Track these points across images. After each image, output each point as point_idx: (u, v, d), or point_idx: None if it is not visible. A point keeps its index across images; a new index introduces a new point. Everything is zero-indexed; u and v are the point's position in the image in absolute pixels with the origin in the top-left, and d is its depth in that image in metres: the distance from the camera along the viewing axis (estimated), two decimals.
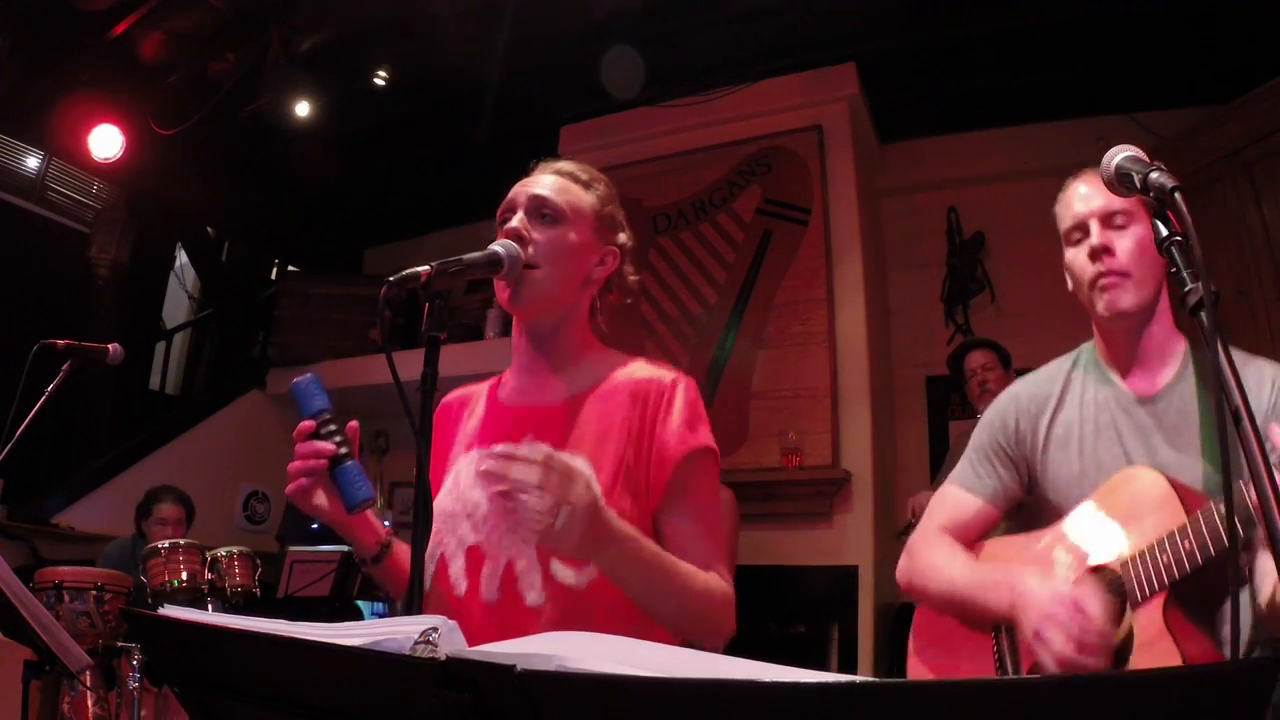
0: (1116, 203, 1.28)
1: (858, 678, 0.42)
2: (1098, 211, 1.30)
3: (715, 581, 1.10)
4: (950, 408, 4.55)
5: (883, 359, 4.59)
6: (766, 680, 0.43)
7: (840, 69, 4.50)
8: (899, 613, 4.17)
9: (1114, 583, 1.22)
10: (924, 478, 4.26)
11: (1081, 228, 1.33)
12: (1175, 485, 1.19)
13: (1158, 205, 0.96)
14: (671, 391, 1.16)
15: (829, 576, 3.95)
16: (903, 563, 1.48)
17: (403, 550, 1.21)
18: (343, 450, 1.03)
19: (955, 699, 0.41)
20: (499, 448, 1.02)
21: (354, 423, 1.07)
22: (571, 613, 1.05)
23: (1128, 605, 1.20)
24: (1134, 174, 1.00)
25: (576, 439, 1.14)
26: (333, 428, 1.05)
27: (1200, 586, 1.13)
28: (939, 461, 3.97)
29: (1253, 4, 3.60)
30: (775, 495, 4.05)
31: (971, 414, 3.44)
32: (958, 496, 1.47)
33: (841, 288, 4.29)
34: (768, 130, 4.62)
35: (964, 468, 1.49)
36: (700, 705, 0.45)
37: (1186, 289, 0.90)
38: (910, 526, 3.27)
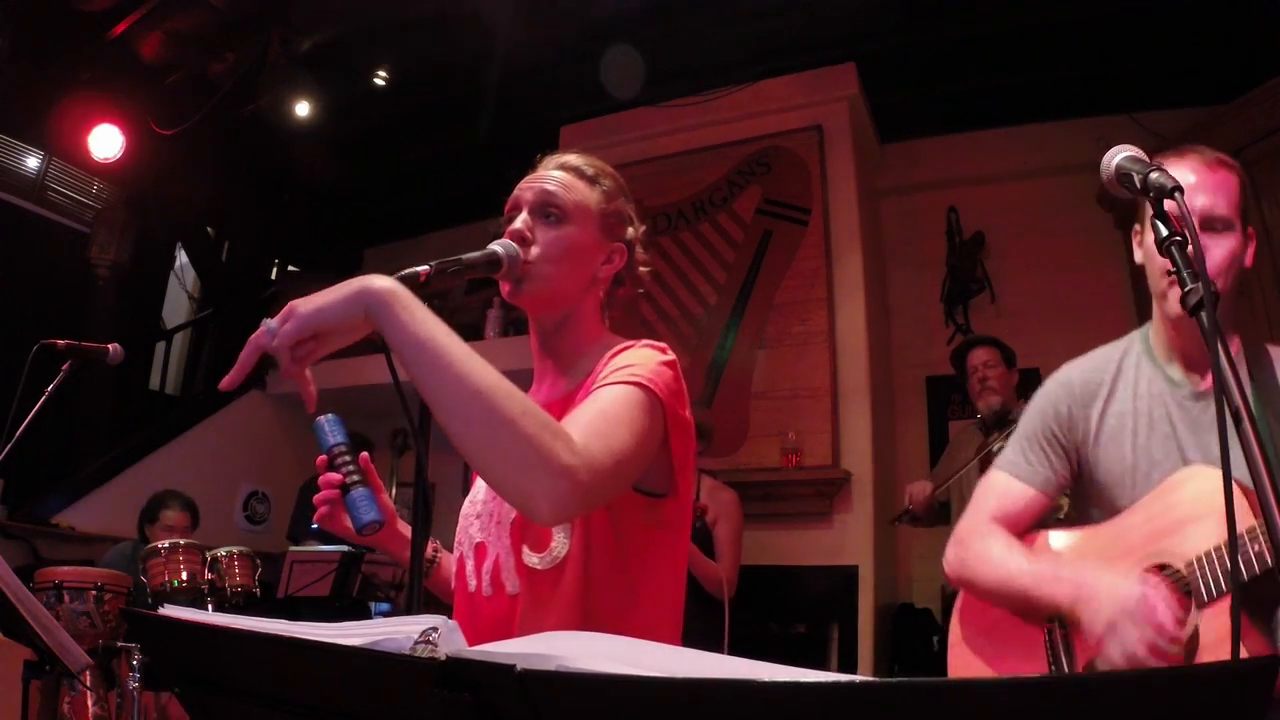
0: (1220, 207, 1.26)
1: (858, 677, 0.42)
2: (1201, 211, 1.25)
3: (561, 427, 0.89)
4: (950, 407, 4.55)
5: (883, 359, 4.59)
6: (766, 680, 0.43)
7: (840, 69, 4.50)
8: (899, 613, 4.18)
9: (1180, 583, 1.22)
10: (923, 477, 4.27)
11: None
12: (1241, 487, 1.16)
13: (1156, 205, 0.96)
14: (624, 349, 1.11)
15: (829, 576, 3.95)
16: (951, 552, 1.45)
17: (449, 561, 1.24)
18: (352, 479, 1.09)
19: (954, 699, 0.41)
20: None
21: (364, 454, 1.13)
22: (541, 596, 1.05)
23: (1193, 605, 1.19)
24: (1134, 174, 1.00)
25: None
26: (347, 458, 1.12)
27: (1262, 587, 1.13)
28: (938, 461, 3.97)
29: (1253, 4, 3.60)
30: (775, 495, 4.05)
31: (972, 412, 3.44)
32: (1008, 485, 1.44)
33: (841, 288, 4.29)
34: (768, 130, 4.62)
35: (1013, 456, 1.45)
36: (700, 705, 0.45)
37: (1187, 289, 0.90)
38: (906, 514, 3.26)
